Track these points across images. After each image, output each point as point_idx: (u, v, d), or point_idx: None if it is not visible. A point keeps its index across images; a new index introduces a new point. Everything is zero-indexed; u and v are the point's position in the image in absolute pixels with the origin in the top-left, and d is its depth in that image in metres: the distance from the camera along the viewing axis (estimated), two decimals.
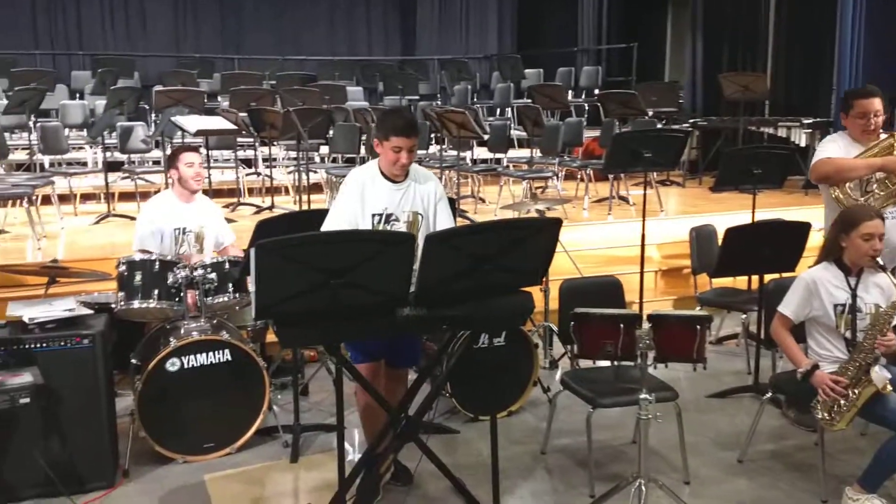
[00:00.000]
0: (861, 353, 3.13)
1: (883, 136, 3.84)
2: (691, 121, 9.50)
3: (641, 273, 5.34)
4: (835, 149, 3.78)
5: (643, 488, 2.96)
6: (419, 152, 8.54)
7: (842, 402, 3.12)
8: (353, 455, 3.72)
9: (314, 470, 3.61)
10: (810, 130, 8.31)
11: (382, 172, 3.22)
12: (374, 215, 3.19)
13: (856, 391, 3.10)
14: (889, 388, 3.05)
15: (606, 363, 3.55)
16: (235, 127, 7.31)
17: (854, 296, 3.26)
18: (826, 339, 3.32)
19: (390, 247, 2.64)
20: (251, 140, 8.60)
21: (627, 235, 6.31)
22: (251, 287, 2.51)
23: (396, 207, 3.22)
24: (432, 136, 8.50)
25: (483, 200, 7.98)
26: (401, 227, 3.22)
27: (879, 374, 3.07)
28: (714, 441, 3.88)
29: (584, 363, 3.69)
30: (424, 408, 3.13)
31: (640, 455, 2.98)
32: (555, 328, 4.66)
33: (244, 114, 7.87)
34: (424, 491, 3.40)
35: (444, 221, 3.30)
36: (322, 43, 13.11)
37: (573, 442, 3.84)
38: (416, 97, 10.61)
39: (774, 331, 3.41)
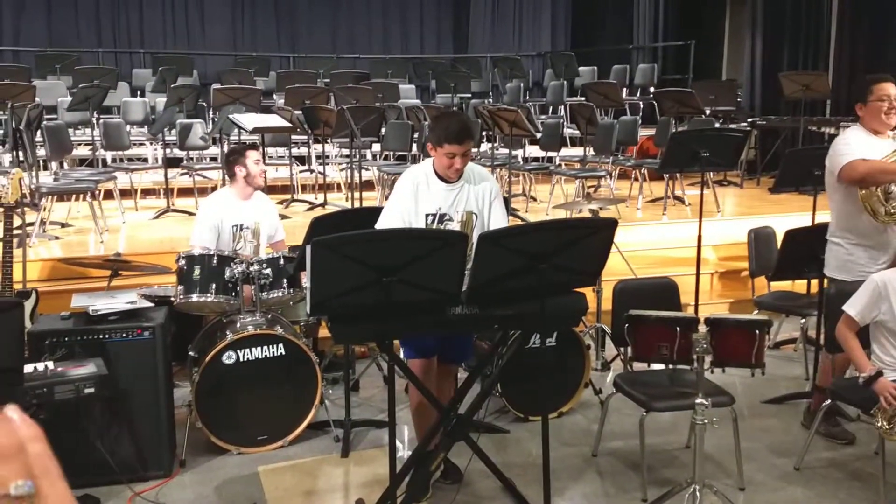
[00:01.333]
0: None
1: None
2: (749, 120, 9.27)
3: (697, 275, 5.24)
4: (861, 147, 3.61)
5: (698, 494, 2.90)
6: (472, 150, 8.58)
7: None
8: (404, 452, 3.74)
9: (364, 465, 3.65)
10: None
11: (437, 173, 3.23)
12: (427, 215, 3.20)
13: None
14: None
15: (660, 366, 3.50)
16: (290, 125, 7.42)
17: None
18: (892, 346, 3.20)
19: (443, 245, 2.64)
20: (305, 137, 8.72)
21: (683, 236, 6.20)
22: (306, 283, 2.54)
23: (450, 208, 3.22)
24: (484, 134, 8.49)
25: (535, 199, 7.94)
26: (454, 226, 3.21)
27: None
28: (770, 447, 3.79)
29: (638, 366, 3.64)
30: (475, 407, 3.13)
31: (694, 460, 2.92)
32: (607, 330, 4.61)
33: (299, 111, 7.99)
34: (474, 489, 3.40)
35: (499, 221, 3.29)
36: (375, 41, 13.22)
37: (625, 445, 3.79)
38: (469, 95, 10.60)
39: (839, 331, 3.31)
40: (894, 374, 3.15)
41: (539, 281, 2.72)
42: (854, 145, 3.64)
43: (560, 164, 8.65)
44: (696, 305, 5.26)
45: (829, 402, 3.59)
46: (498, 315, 2.82)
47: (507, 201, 3.58)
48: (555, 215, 6.42)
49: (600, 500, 3.35)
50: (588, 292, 4.98)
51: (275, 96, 10.31)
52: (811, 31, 9.81)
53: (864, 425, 3.82)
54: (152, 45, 12.30)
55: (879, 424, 3.11)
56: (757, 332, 2.90)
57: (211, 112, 9.39)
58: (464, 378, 3.30)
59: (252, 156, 4.26)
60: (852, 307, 3.25)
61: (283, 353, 3.75)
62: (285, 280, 3.92)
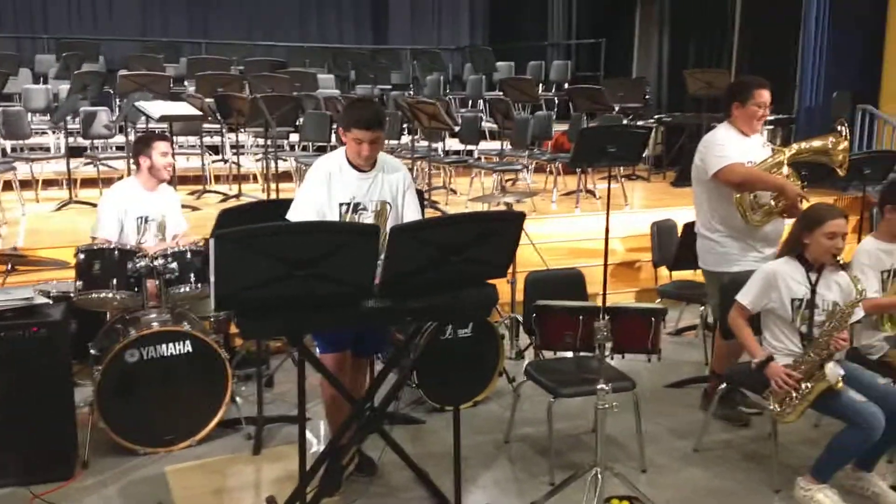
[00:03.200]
0: (817, 348, 3.20)
1: (769, 148, 3.93)
2: (657, 116, 9.61)
3: (605, 265, 5.41)
4: (736, 148, 3.80)
5: (599, 476, 3.01)
6: (391, 142, 8.58)
7: (794, 394, 3.20)
8: (318, 447, 3.73)
9: (277, 462, 3.61)
10: (772, 126, 8.45)
11: (350, 162, 3.22)
12: (341, 204, 3.19)
13: (808, 385, 3.18)
14: (842, 384, 3.13)
15: (570, 354, 3.61)
16: (201, 113, 7.23)
17: (813, 292, 3.32)
18: (781, 332, 3.39)
19: (355, 238, 2.64)
20: (218, 126, 8.51)
21: (594, 228, 6.38)
22: (210, 278, 2.50)
23: (364, 197, 3.22)
24: (404, 126, 8.50)
25: (454, 192, 8.01)
26: (368, 216, 3.22)
27: (834, 370, 3.14)
28: (670, 430, 3.96)
29: (550, 354, 3.74)
30: (389, 398, 3.15)
31: (597, 443, 3.03)
32: (521, 319, 4.71)
33: (210, 100, 7.79)
34: (388, 481, 3.42)
35: (412, 212, 3.31)
36: (292, 29, 13.00)
37: (535, 431, 3.89)
38: (389, 87, 10.58)
39: (732, 319, 3.48)
40: (784, 358, 3.33)
41: (451, 273, 2.76)
42: (729, 146, 3.80)
43: (479, 158, 8.75)
44: (604, 295, 5.44)
45: (724, 386, 3.78)
46: (411, 307, 2.84)
47: (420, 193, 3.61)
48: (473, 208, 6.49)
49: (510, 485, 3.43)
50: (502, 283, 5.12)
51: (186, 83, 10.01)
52: (715, 30, 10.23)
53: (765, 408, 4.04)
54: (56, 29, 11.74)
55: (771, 407, 3.30)
56: (653, 319, 3.03)
57: (117, 99, 9.05)
58: (379, 370, 3.31)
59: (159, 147, 4.13)
60: (745, 297, 3.43)
61: (191, 349, 3.67)
62: (193, 274, 3.83)
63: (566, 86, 10.87)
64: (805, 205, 3.71)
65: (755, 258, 3.84)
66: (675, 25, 10.74)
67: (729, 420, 3.99)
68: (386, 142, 8.36)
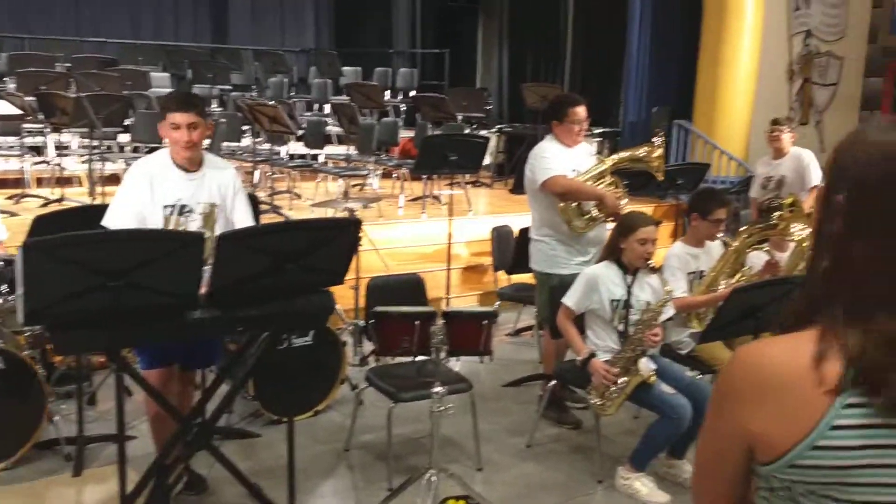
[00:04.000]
0: (631, 345, 3.45)
1: (593, 158, 4.23)
2: (498, 126, 9.97)
3: (448, 270, 5.57)
4: (559, 160, 4.04)
5: (434, 479, 3.08)
6: (232, 144, 8.32)
7: (612, 388, 3.44)
8: (144, 466, 3.53)
9: (100, 483, 3.40)
10: (601, 139, 9.03)
11: (175, 162, 3.08)
12: (165, 207, 3.04)
13: (625, 379, 3.43)
14: (654, 377, 3.39)
15: (411, 359, 3.66)
16: (20, 111, 6.69)
17: (629, 293, 3.59)
18: (602, 331, 3.63)
19: (177, 246, 2.55)
20: (40, 126, 7.89)
21: (439, 234, 6.52)
22: (18, 289, 2.32)
23: (191, 198, 3.08)
24: (246, 128, 8.26)
25: (299, 196, 7.88)
26: (196, 218, 3.09)
27: (646, 365, 3.41)
28: (506, 428, 4.12)
29: (396, 360, 3.77)
30: (219, 412, 3.06)
31: (432, 446, 3.10)
32: (364, 325, 4.71)
33: (32, 98, 7.22)
34: (219, 498, 3.32)
35: (242, 215, 3.21)
36: (124, 26, 12.25)
37: (376, 437, 3.91)
38: (229, 87, 10.24)
39: (559, 320, 3.69)
40: (605, 355, 3.56)
41: (285, 280, 2.72)
42: (552, 158, 4.03)
43: (326, 162, 8.68)
44: (448, 299, 5.59)
45: (550, 386, 3.98)
46: (242, 317, 2.77)
47: (254, 198, 3.53)
48: (317, 213, 6.43)
49: (349, 493, 3.44)
50: (346, 290, 5.11)
51: (6, 80, 9.20)
52: (550, 48, 10.78)
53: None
54: None
55: (593, 401, 3.52)
56: (484, 322, 3.15)
57: None
58: (210, 382, 3.20)
59: None
60: (569, 299, 3.64)
61: (3, 366, 3.38)
62: (5, 285, 3.54)
63: (412, 93, 11.01)
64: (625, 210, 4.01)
65: (580, 262, 4.08)
66: (514, 40, 11.22)
67: (562, 423, 4.17)
68: (225, 144, 8.18)
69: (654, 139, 4.21)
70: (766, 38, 8.76)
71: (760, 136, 8.55)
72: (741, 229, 4.03)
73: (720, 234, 3.97)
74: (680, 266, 3.88)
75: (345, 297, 5.25)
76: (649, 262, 3.54)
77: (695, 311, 3.90)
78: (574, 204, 4.04)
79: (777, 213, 3.81)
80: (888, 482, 0.99)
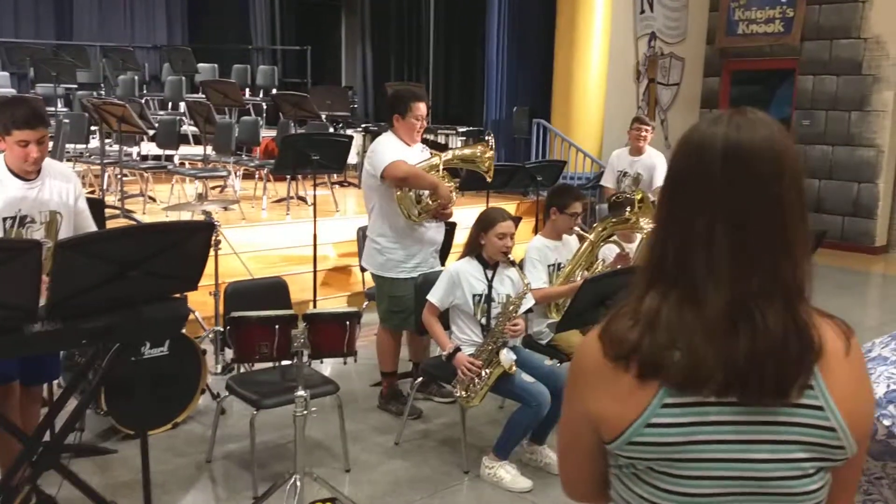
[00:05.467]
0: (493, 337, 3.56)
1: (427, 152, 4.30)
2: (364, 125, 9.94)
3: (315, 272, 5.49)
4: (398, 152, 4.09)
5: (298, 483, 3.04)
6: (77, 146, 7.81)
7: (476, 380, 3.52)
8: None
9: None
10: (465, 138, 9.21)
11: (10, 170, 2.89)
12: (5, 219, 2.87)
13: (487, 371, 3.52)
14: (514, 367, 3.50)
15: (273, 364, 3.58)
16: None
17: (490, 287, 3.68)
18: (466, 325, 3.71)
19: (12, 256, 2.37)
20: None
21: (305, 235, 6.41)
22: None
23: (31, 208, 2.92)
24: (94, 129, 7.79)
25: (154, 199, 7.53)
26: (38, 228, 2.94)
27: (507, 356, 3.52)
28: (375, 427, 4.13)
29: (259, 366, 3.68)
30: (67, 429, 2.87)
31: (295, 450, 3.05)
32: (225, 332, 4.56)
33: None
34: None
35: (85, 223, 3.07)
36: None
37: (240, 446, 3.81)
38: (75, 86, 9.63)
39: (424, 317, 3.74)
40: (469, 349, 3.64)
41: (132, 289, 2.59)
42: (392, 150, 4.07)
43: (182, 163, 8.33)
44: (315, 301, 5.51)
45: (418, 381, 4.04)
46: (86, 328, 2.62)
47: (100, 203, 3.35)
48: (171, 216, 6.15)
49: None
50: (205, 296, 4.93)
51: None
52: (413, 46, 10.89)
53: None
54: None
55: (459, 393, 3.59)
56: (347, 322, 3.14)
57: None
58: (57, 398, 3.00)
59: None
60: (433, 296, 3.70)
61: None
62: None
63: (273, 91, 10.78)
64: (451, 207, 4.11)
65: (412, 265, 4.13)
66: (377, 38, 11.24)
67: (394, 413, 4.22)
68: (71, 146, 7.68)
69: (487, 138, 4.32)
70: (614, 40, 9.25)
71: (612, 134, 9.05)
72: (596, 223, 4.24)
73: (576, 228, 4.16)
74: (540, 258, 4.03)
75: (205, 303, 5.07)
76: (508, 255, 3.65)
77: (554, 302, 4.05)
78: (410, 192, 4.07)
79: (628, 208, 4.04)
80: (717, 457, 1.05)
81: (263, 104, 11.01)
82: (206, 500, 3.37)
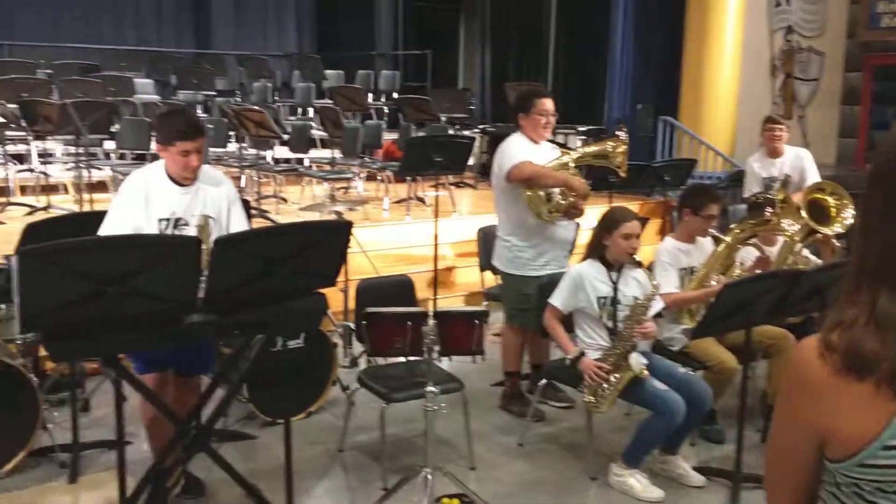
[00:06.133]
0: (621, 341, 3.49)
1: (557, 150, 4.26)
2: (481, 126, 10.01)
3: (435, 270, 5.59)
4: (525, 151, 4.06)
5: (429, 477, 3.11)
6: (218, 150, 8.30)
7: (605, 385, 3.48)
8: (141, 471, 3.54)
9: (95, 490, 3.40)
10: (585, 137, 9.09)
11: (169, 175, 3.11)
12: (160, 220, 3.07)
13: (617, 376, 3.46)
14: (645, 372, 3.42)
15: (402, 359, 3.69)
16: (3, 119, 6.65)
17: (615, 289, 3.63)
18: (591, 329, 3.66)
19: (173, 252, 2.56)
20: (23, 134, 7.84)
21: (424, 235, 6.54)
22: (14, 297, 2.33)
23: (185, 211, 3.11)
24: (232, 134, 8.26)
25: (285, 200, 7.89)
26: (190, 231, 3.11)
27: (637, 359, 3.44)
28: (497, 427, 4.15)
29: (386, 360, 3.80)
30: (216, 415, 3.07)
31: (427, 445, 3.13)
32: (354, 327, 4.74)
33: (14, 105, 7.18)
34: (217, 500, 3.34)
35: (238, 224, 3.24)
36: (106, 31, 12.19)
37: (369, 438, 3.94)
38: (213, 93, 10.23)
39: (546, 320, 3.73)
40: (595, 353, 3.59)
41: (278, 284, 2.74)
42: (519, 149, 4.07)
43: (310, 166, 8.69)
44: (435, 300, 5.60)
45: (542, 383, 4.02)
46: (237, 321, 2.79)
47: (246, 203, 3.55)
48: (304, 217, 6.44)
49: (343, 493, 3.46)
50: (335, 292, 5.13)
51: None
52: (533, 46, 10.86)
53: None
54: None
55: (586, 399, 3.56)
56: (476, 321, 3.18)
57: None
58: (206, 386, 3.21)
59: None
60: (556, 299, 3.68)
61: None
62: None
63: (395, 95, 11.05)
64: (583, 203, 4.05)
65: (542, 262, 4.10)
66: (496, 39, 11.29)
67: (523, 416, 4.14)
68: (211, 150, 8.17)
69: (619, 133, 4.22)
70: (747, 33, 8.87)
71: (745, 131, 8.69)
72: (732, 225, 4.08)
73: (711, 230, 4.01)
74: (671, 262, 3.92)
75: (334, 299, 5.27)
76: (634, 256, 3.58)
77: (686, 307, 3.93)
78: (540, 192, 4.05)
79: (769, 209, 3.87)
80: None
81: (385, 108, 11.31)
82: (339, 487, 3.51)
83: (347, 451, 3.84)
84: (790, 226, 3.83)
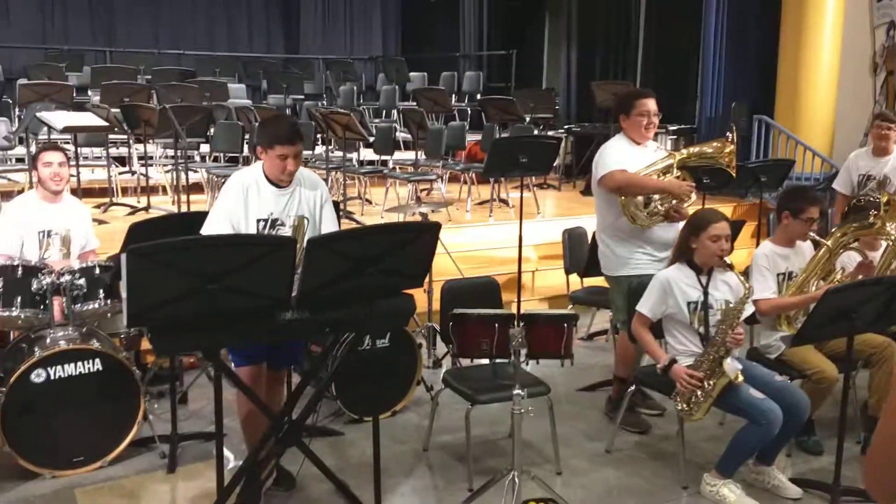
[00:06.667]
0: (714, 346, 3.38)
1: (662, 152, 4.12)
2: (566, 126, 9.90)
3: (519, 273, 5.55)
4: (622, 157, 3.95)
5: (516, 480, 3.09)
6: (306, 152, 8.50)
7: (698, 393, 3.37)
8: (235, 462, 3.67)
9: (193, 480, 3.54)
10: (676, 136, 8.86)
11: (267, 178, 3.21)
12: (258, 221, 3.18)
13: (711, 382, 3.35)
14: (741, 378, 3.30)
15: (486, 361, 3.69)
16: (106, 123, 7.00)
17: (705, 293, 3.51)
18: (682, 335, 3.56)
19: (270, 251, 2.64)
20: (125, 137, 8.25)
21: (507, 237, 6.53)
22: (122, 293, 2.45)
23: (282, 212, 3.22)
24: (318, 137, 8.45)
25: (370, 202, 8.01)
26: (286, 231, 3.22)
27: (731, 365, 3.33)
28: (584, 433, 4.09)
29: (467, 361, 3.81)
30: (307, 411, 3.14)
31: (513, 448, 3.11)
32: (438, 328, 4.77)
33: (116, 110, 7.56)
34: (307, 494, 3.41)
35: (329, 225, 3.33)
36: (200, 38, 12.70)
37: (454, 438, 3.95)
38: (301, 97, 10.50)
39: (634, 328, 3.64)
40: (687, 359, 3.49)
41: (368, 284, 2.79)
42: (615, 155, 3.96)
43: (394, 168, 8.79)
44: (519, 302, 5.56)
45: (630, 390, 3.91)
46: (329, 319, 2.86)
47: (336, 205, 3.63)
48: (388, 218, 6.52)
49: (430, 493, 3.48)
50: (419, 292, 5.17)
51: (90, 93, 9.63)
52: (621, 44, 10.66)
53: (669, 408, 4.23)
54: None
55: (679, 407, 3.46)
56: (565, 325, 3.14)
57: (17, 109, 8.64)
58: (297, 383, 3.30)
59: (43, 158, 3.95)
60: (644, 306, 3.59)
61: (101, 368, 3.56)
62: (101, 290, 3.72)
63: (478, 96, 11.06)
64: (690, 207, 3.92)
65: (647, 260, 3.99)
66: (582, 38, 11.13)
67: (630, 426, 4.08)
68: None
69: (728, 134, 4.09)
70: (847, 29, 8.46)
71: (845, 131, 8.28)
72: (834, 229, 3.90)
73: (811, 234, 3.84)
74: (769, 266, 3.77)
75: (418, 300, 5.30)
76: (724, 259, 3.45)
77: (784, 314, 3.78)
78: (636, 198, 3.96)
79: (873, 212, 3.67)
80: None
81: (468, 109, 11.34)
82: (425, 487, 3.53)
83: (432, 450, 3.86)
84: (895, 229, 3.62)
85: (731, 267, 3.47)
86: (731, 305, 3.42)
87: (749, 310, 3.50)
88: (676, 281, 3.53)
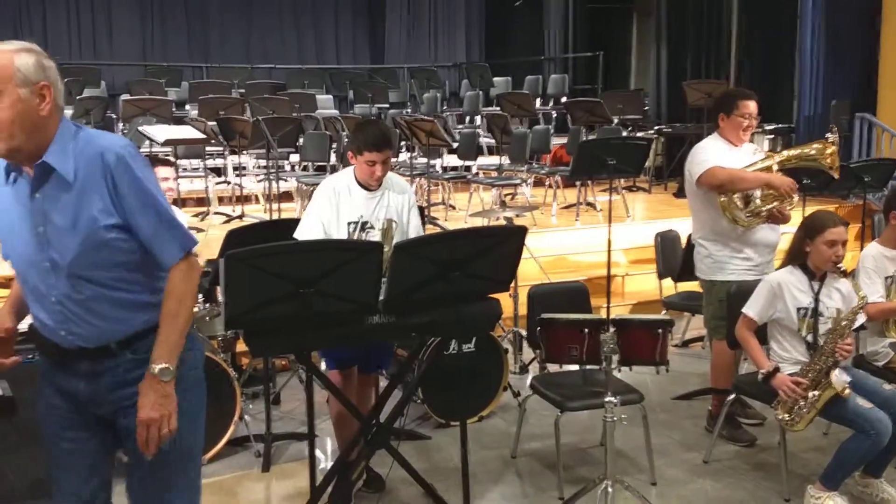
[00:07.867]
0: (822, 356, 3.21)
1: (760, 154, 3.93)
2: (656, 128, 9.65)
3: (609, 277, 5.42)
4: (718, 155, 3.81)
5: (610, 490, 3.01)
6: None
7: (801, 403, 3.20)
8: (326, 463, 3.73)
9: (286, 479, 3.62)
10: (773, 136, 8.50)
11: (358, 181, 3.27)
12: (349, 223, 3.25)
13: (815, 393, 3.18)
14: (848, 390, 3.13)
15: (575, 367, 3.62)
16: (204, 136, 7.29)
17: (817, 300, 3.33)
18: (787, 342, 3.39)
19: (359, 256, 2.67)
20: (220, 149, 8.57)
21: (595, 241, 6.41)
22: (221, 297, 2.53)
23: (371, 216, 3.28)
24: (403, 143, 8.55)
25: (453, 207, 8.03)
26: (375, 234, 3.27)
27: (839, 377, 3.15)
28: (680, 442, 3.96)
29: (554, 367, 3.75)
30: (396, 414, 3.16)
31: (606, 457, 3.03)
32: (524, 333, 4.72)
33: (213, 123, 7.86)
34: (396, 497, 3.43)
35: (414, 229, 3.37)
36: (290, 51, 13.09)
37: (542, 445, 3.89)
38: (386, 105, 10.66)
39: (739, 332, 3.49)
40: (791, 368, 3.33)
41: (454, 288, 2.78)
42: (712, 153, 3.83)
43: (477, 173, 8.79)
44: (608, 307, 5.44)
45: (729, 402, 3.75)
46: (415, 323, 2.87)
47: (422, 210, 3.66)
48: (472, 223, 6.52)
49: (519, 500, 3.43)
50: (505, 297, 5.14)
51: (187, 107, 10.08)
52: (712, 42, 10.32)
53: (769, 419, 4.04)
54: (56, 53, 11.47)
55: (780, 416, 3.30)
56: (660, 331, 3.04)
57: (121, 124, 9.11)
58: (385, 386, 3.33)
59: (159, 173, 4.13)
60: (751, 308, 3.43)
61: None
62: (200, 295, 3.86)
63: (563, 99, 10.93)
64: (789, 207, 3.76)
65: (746, 266, 3.83)
66: (673, 38, 10.84)
67: (735, 440, 3.92)
68: None
69: (828, 135, 3.91)
70: None
71: None
72: None
73: None
74: (876, 269, 3.58)
75: (504, 305, 5.27)
76: (839, 265, 3.27)
77: (893, 319, 3.57)
78: (735, 197, 3.80)
79: None
80: None
81: (553, 112, 11.22)
82: (514, 493, 3.49)
83: (520, 457, 3.82)
84: None
85: (844, 274, 3.29)
86: (842, 314, 3.24)
87: (860, 319, 3.31)
88: (787, 285, 3.37)
